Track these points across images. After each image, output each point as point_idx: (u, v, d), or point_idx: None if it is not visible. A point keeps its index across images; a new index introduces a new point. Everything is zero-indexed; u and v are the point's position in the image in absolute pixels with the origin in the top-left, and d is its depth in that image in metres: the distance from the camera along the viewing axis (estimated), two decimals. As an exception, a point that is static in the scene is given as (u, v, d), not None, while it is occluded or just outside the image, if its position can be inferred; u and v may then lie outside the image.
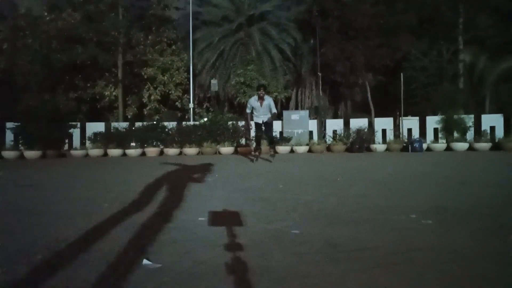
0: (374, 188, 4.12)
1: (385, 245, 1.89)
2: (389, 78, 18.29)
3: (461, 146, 12.50)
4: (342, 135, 13.54)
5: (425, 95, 16.94)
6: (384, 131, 14.01)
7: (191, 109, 17.13)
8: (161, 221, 2.54)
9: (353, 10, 17.20)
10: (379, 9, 17.69)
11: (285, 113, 15.06)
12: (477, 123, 13.56)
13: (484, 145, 12.36)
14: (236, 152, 12.70)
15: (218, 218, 2.65)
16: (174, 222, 2.52)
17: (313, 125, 14.89)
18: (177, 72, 19.71)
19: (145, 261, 1.64)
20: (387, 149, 13.03)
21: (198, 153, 12.98)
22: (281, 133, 14.40)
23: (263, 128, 8.21)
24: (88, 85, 18.98)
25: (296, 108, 20.37)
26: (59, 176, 6.57)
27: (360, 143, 12.67)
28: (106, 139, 13.75)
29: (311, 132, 14.62)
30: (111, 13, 18.61)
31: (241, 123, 13.89)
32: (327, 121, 15.50)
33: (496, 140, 12.69)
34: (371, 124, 14.27)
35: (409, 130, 14.08)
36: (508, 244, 1.94)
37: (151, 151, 13.08)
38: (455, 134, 13.28)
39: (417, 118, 14.23)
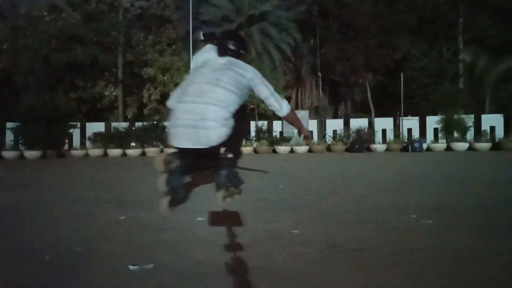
0: (374, 188, 4.12)
1: (385, 245, 1.89)
2: (389, 78, 18.30)
3: (461, 146, 12.50)
4: (342, 135, 13.53)
5: (425, 95, 16.96)
6: (384, 131, 14.01)
7: (191, 109, 17.11)
8: (160, 221, 2.54)
9: (353, 10, 17.22)
10: (379, 9, 17.70)
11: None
12: (477, 123, 13.55)
13: (484, 145, 12.36)
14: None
15: (218, 218, 2.65)
16: (174, 222, 2.51)
17: (313, 125, 14.90)
18: (177, 72, 19.71)
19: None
20: (387, 149, 13.03)
21: (198, 153, 13.00)
22: (281, 133, 14.40)
23: None
24: (88, 85, 19.01)
25: (296, 108, 20.37)
26: (59, 176, 6.57)
27: (360, 143, 12.68)
28: (106, 139, 13.77)
29: (311, 132, 14.63)
30: (111, 13, 18.63)
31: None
32: (327, 121, 15.52)
33: (496, 140, 12.70)
34: (371, 124, 14.28)
35: (409, 130, 14.09)
36: (508, 244, 1.94)
37: (151, 151, 13.10)
38: (455, 134, 13.29)
39: (417, 118, 14.23)
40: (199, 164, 2.87)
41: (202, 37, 4.09)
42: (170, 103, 2.88)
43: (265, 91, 2.86)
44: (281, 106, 2.90)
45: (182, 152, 2.60)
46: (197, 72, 2.84)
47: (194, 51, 18.36)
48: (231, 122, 2.61)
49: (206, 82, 2.66)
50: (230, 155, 2.72)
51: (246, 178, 5.37)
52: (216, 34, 3.67)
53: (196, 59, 3.38)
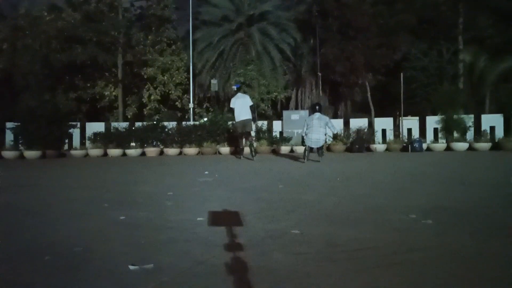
0: (374, 188, 4.12)
1: (385, 245, 1.89)
2: (389, 78, 18.26)
3: (461, 146, 12.49)
4: (342, 135, 13.51)
5: (425, 95, 16.93)
6: (384, 131, 13.98)
7: (191, 109, 17.12)
8: (160, 221, 2.54)
9: (353, 10, 17.18)
10: (379, 9, 17.68)
11: (285, 113, 15.06)
12: (477, 123, 13.53)
13: (484, 145, 12.35)
14: (235, 152, 12.71)
15: (218, 218, 2.65)
16: (174, 222, 2.52)
17: (313, 125, 14.84)
18: (177, 72, 19.71)
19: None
20: (387, 149, 13.02)
21: (198, 153, 12.99)
22: (281, 133, 14.39)
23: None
24: (88, 85, 18.98)
25: (296, 108, 20.35)
26: (59, 176, 6.57)
27: (360, 143, 12.66)
28: (106, 139, 13.74)
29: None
30: (111, 13, 18.61)
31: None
32: (327, 121, 15.48)
33: (496, 140, 12.69)
34: (371, 124, 14.25)
35: (409, 130, 14.06)
36: (508, 244, 1.94)
37: (151, 151, 13.08)
38: (455, 134, 13.27)
39: (417, 118, 14.19)
40: (313, 149, 8.13)
41: (235, 88, 9.75)
42: (303, 133, 8.22)
43: (331, 125, 8.11)
44: (335, 129, 8.58)
45: (310, 147, 8.07)
46: (311, 122, 7.95)
47: (194, 51, 18.34)
48: (325, 137, 8.23)
49: (316, 126, 7.88)
50: (321, 145, 8.08)
51: (246, 178, 5.38)
52: (241, 87, 10.65)
53: (234, 102, 8.95)
